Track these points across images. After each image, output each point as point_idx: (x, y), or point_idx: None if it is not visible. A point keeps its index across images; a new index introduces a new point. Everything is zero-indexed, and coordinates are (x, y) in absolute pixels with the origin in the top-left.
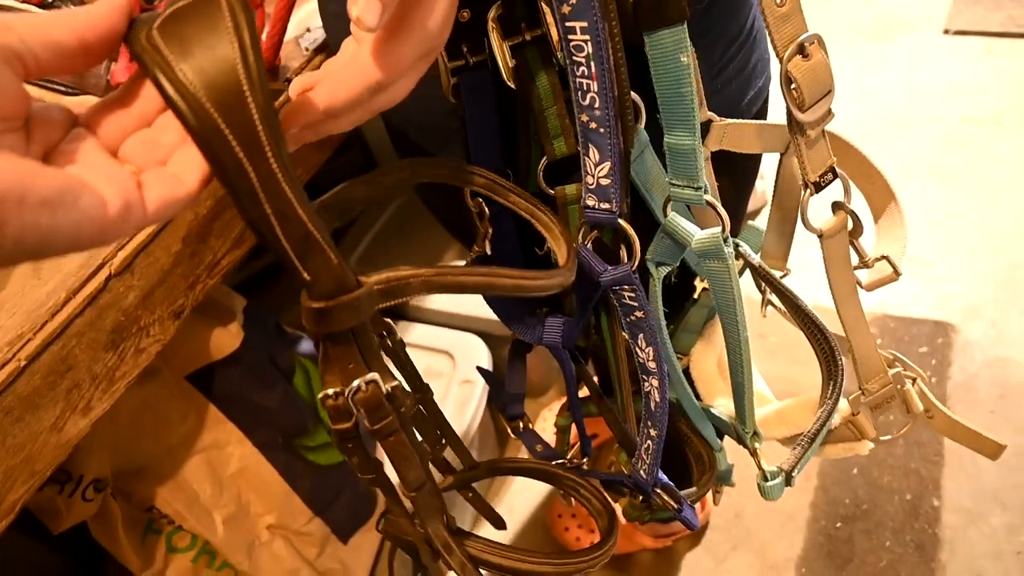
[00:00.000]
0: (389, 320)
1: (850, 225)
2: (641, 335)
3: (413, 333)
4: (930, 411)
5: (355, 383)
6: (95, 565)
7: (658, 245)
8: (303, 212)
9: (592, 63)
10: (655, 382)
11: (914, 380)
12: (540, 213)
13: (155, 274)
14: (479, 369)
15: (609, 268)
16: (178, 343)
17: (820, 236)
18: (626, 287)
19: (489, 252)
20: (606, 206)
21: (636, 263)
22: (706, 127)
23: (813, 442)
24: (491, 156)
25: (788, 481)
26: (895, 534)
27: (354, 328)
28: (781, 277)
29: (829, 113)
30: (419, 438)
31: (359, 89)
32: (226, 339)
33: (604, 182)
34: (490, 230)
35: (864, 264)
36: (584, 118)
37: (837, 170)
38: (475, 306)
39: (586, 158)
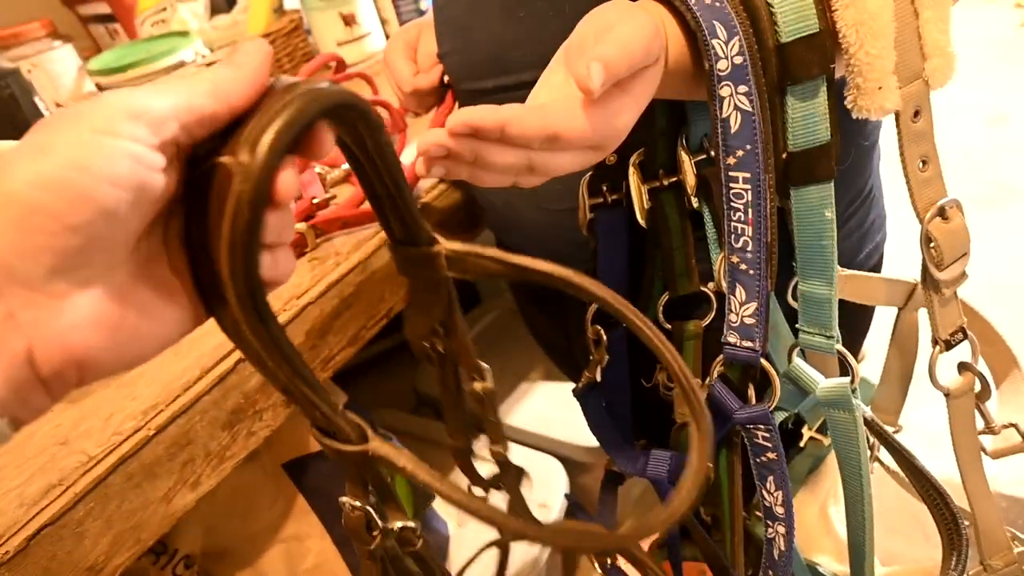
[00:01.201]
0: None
1: (977, 387)
2: (771, 477)
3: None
4: None
5: (345, 502)
6: None
7: (780, 390)
8: (283, 376)
9: (750, 210)
10: (782, 529)
11: None
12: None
13: None
14: (567, 497)
15: (744, 406)
16: (281, 430)
17: (947, 395)
18: (761, 426)
19: (599, 379)
20: (749, 344)
21: (775, 403)
22: None
23: None
24: (617, 288)
25: None
26: None
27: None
28: (893, 433)
29: (964, 275)
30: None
31: (536, 131)
32: None
33: (748, 321)
34: (606, 358)
35: (990, 430)
36: (735, 259)
37: (967, 331)
38: (557, 428)
39: (732, 297)
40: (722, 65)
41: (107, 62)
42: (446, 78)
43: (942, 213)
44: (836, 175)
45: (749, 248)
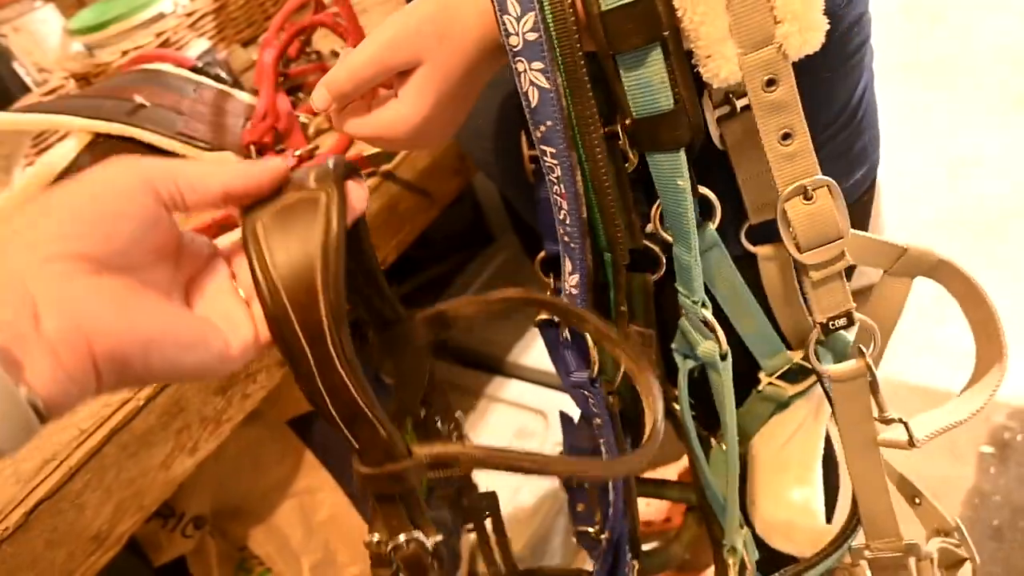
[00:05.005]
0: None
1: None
2: (602, 440)
3: (507, 389)
4: None
5: (400, 539)
6: None
7: (679, 340)
8: (356, 394)
9: (562, 185)
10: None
11: (963, 561)
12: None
13: None
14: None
15: (575, 372)
16: (282, 388)
17: (828, 378)
18: (586, 391)
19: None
20: None
21: (595, 371)
22: None
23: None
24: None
25: None
26: None
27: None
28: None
29: (841, 256)
30: None
31: (359, 135)
32: None
33: (573, 292)
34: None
35: (883, 419)
36: (561, 231)
37: (855, 316)
38: None
39: (563, 267)
40: (513, 41)
41: (87, 20)
42: None
43: (805, 193)
44: (689, 142)
45: (568, 221)
